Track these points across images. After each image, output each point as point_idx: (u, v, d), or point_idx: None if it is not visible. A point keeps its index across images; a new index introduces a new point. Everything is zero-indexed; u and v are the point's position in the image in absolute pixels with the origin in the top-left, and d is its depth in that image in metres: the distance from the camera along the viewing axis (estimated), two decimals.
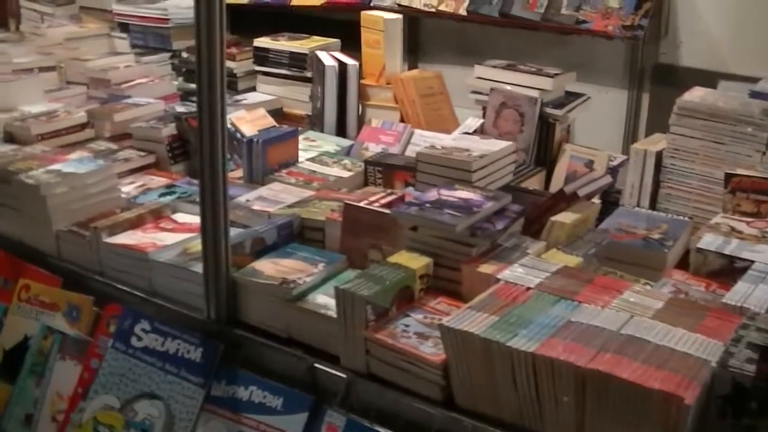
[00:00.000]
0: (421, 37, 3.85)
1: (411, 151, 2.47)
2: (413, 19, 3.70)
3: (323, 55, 2.68)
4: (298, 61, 2.81)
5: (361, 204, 1.89)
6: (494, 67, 2.54)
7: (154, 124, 2.44)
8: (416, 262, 1.69)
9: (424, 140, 2.48)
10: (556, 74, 2.47)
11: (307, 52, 2.79)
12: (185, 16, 3.12)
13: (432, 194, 1.86)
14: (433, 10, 3.43)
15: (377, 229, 1.85)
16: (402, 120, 2.60)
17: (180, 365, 1.73)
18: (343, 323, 1.58)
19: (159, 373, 1.74)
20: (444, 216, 1.75)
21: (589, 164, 2.41)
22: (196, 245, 1.89)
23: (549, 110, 2.43)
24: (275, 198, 2.11)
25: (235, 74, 2.94)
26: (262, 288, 1.71)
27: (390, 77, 2.66)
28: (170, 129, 2.41)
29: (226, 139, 1.67)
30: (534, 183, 2.36)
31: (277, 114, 2.78)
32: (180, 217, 2.09)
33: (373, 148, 2.49)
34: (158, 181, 2.31)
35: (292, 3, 3.77)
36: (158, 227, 2.03)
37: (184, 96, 2.93)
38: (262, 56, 2.90)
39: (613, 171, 2.39)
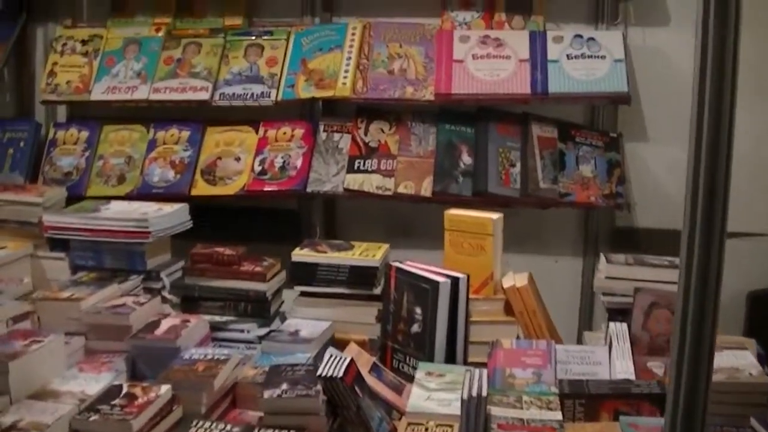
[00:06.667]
0: (337, 220, 3.45)
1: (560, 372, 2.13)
2: (327, 202, 3.33)
3: (412, 269, 2.23)
4: (362, 276, 2.30)
5: None
6: (624, 264, 2.33)
7: (295, 389, 1.76)
8: None
9: (568, 355, 2.17)
10: None
11: (376, 264, 2.30)
12: (167, 224, 2.38)
13: None
14: (390, 193, 3.08)
15: None
16: (526, 335, 2.24)
17: None
18: None
19: None
20: None
21: None
22: None
23: None
24: None
25: (267, 298, 2.30)
26: None
27: (499, 287, 2.28)
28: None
29: None
30: None
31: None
32: None
33: (522, 374, 2.09)
34: None
35: (192, 193, 3.13)
36: None
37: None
38: (305, 273, 2.31)
39: None
